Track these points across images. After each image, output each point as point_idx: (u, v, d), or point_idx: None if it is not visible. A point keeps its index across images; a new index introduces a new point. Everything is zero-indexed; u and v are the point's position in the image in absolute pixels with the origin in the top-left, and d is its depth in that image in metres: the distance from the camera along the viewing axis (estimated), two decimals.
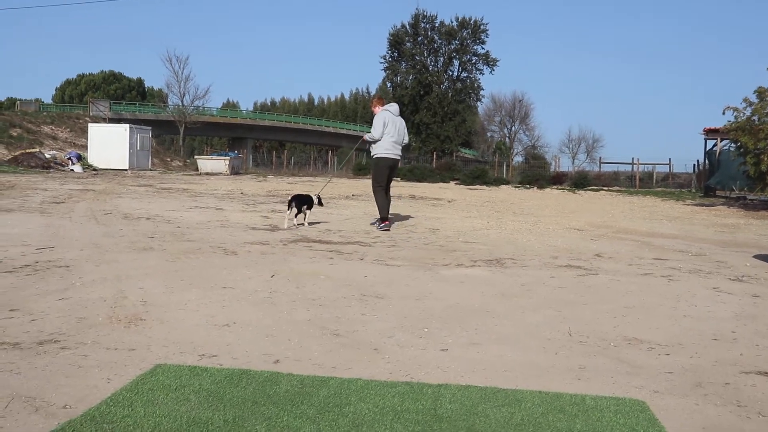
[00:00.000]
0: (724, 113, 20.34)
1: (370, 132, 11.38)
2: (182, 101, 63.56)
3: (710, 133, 32.62)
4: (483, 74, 59.78)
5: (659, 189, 38.52)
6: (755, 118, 19.79)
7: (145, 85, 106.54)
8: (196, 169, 42.98)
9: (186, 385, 3.25)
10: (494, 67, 59.29)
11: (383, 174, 11.35)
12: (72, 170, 37.05)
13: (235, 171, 42.51)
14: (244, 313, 4.84)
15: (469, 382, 3.49)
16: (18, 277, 5.84)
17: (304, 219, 11.10)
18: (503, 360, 3.92)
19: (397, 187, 30.61)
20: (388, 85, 64.54)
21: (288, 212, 10.87)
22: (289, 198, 11.12)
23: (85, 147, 46.34)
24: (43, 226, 9.85)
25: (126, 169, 40.51)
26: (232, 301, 5.21)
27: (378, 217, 11.28)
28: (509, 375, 3.65)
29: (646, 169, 46.79)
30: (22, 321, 4.39)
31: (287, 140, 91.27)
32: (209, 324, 4.50)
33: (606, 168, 51.01)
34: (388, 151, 11.26)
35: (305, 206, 11.00)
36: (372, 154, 11.46)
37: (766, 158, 19.30)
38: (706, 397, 3.45)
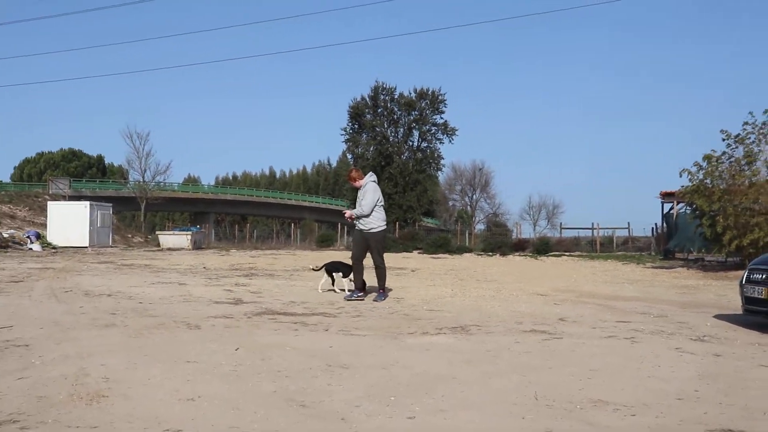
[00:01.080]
0: (681, 176, 20.75)
1: (351, 206, 11.22)
2: (143, 177, 63.30)
3: (666, 196, 33.23)
4: (443, 143, 60.32)
5: (620, 253, 39.00)
6: (708, 181, 20.23)
7: (105, 162, 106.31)
8: (158, 245, 42.70)
9: None
10: (453, 137, 60.07)
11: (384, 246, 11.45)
12: (31, 249, 36.54)
13: (197, 245, 42.28)
14: (209, 386, 4.79)
15: None
16: None
17: (333, 284, 12.26)
18: (470, 426, 3.93)
19: None
20: (349, 156, 65.08)
21: (323, 279, 12.37)
22: (324, 265, 12.51)
23: (44, 225, 45.83)
24: (0, 305, 9.69)
25: (86, 247, 40.05)
26: (197, 374, 5.15)
27: (356, 288, 11.14)
28: None
29: (606, 234, 47.48)
30: None
31: (249, 213, 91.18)
32: (174, 398, 4.45)
33: (567, 233, 51.54)
34: (385, 222, 11.17)
35: (339, 272, 12.20)
36: (375, 228, 10.99)
37: (721, 220, 19.67)
38: None
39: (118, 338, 6.76)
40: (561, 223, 57.58)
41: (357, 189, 11.22)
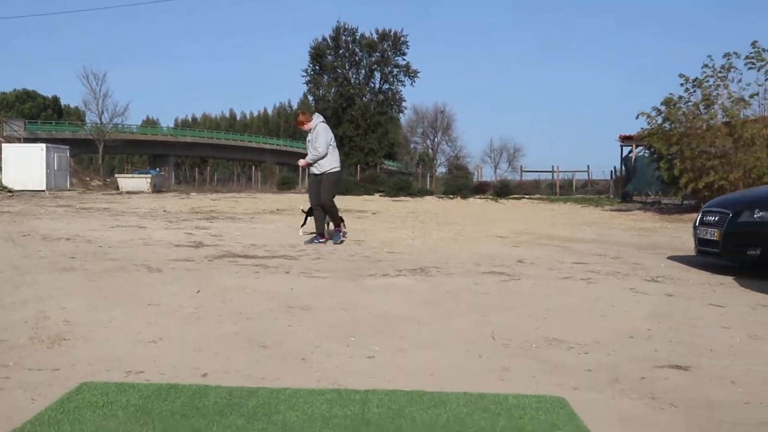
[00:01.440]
0: (637, 118, 20.99)
1: (310, 149, 10.82)
2: (100, 119, 62.27)
3: (625, 140, 33.62)
4: (404, 86, 60.27)
5: (579, 196, 39.51)
6: (666, 124, 20.47)
7: (62, 103, 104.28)
8: (117, 188, 42.20)
9: (113, 401, 3.24)
10: (415, 79, 59.94)
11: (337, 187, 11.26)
12: None
13: (157, 189, 41.89)
14: (171, 328, 4.82)
15: (395, 386, 3.56)
16: None
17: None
18: (429, 364, 4.01)
19: None
20: (310, 98, 64.73)
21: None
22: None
23: None
24: None
25: (44, 190, 39.46)
26: (158, 317, 5.18)
27: (316, 232, 10.90)
28: (435, 378, 3.73)
29: (565, 177, 48.03)
30: None
31: (210, 156, 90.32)
32: (135, 341, 4.47)
33: (527, 177, 52.09)
34: (339, 163, 11.00)
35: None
36: (328, 169, 10.73)
37: (678, 163, 19.98)
38: (623, 391, 3.59)
39: (77, 282, 6.73)
40: (521, 167, 58.16)
41: (307, 132, 10.95)
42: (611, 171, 41.89)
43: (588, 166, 48.64)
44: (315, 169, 10.77)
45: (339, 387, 3.54)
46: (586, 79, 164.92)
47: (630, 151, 33.76)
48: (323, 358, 4.11)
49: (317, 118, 10.91)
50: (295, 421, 3.03)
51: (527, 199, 36.05)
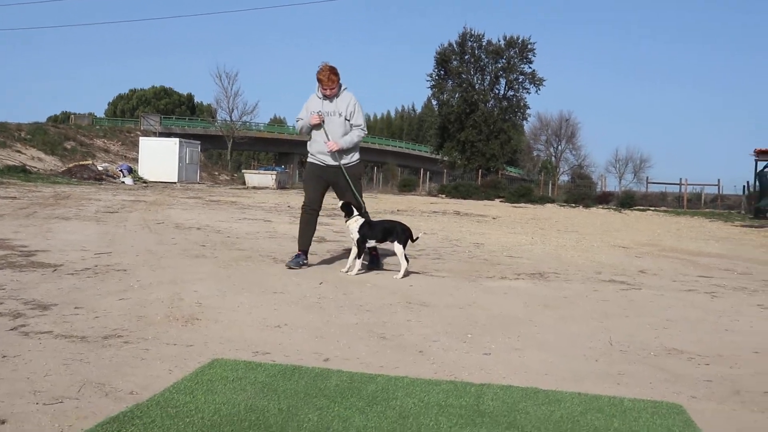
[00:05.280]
0: None
1: (338, 126, 7.60)
2: (230, 116, 64.59)
3: (761, 154, 32.27)
4: (529, 93, 59.48)
5: (707, 210, 38.09)
6: None
7: (195, 101, 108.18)
8: (243, 183, 43.58)
9: (242, 377, 3.45)
10: (540, 86, 59.16)
11: None
12: (123, 182, 37.85)
13: (281, 185, 43.03)
14: (295, 316, 5.03)
15: (510, 382, 3.63)
16: (80, 279, 6.13)
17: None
18: (544, 365, 4.05)
19: (442, 203, 30.76)
20: (434, 102, 64.81)
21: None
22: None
23: (135, 160, 47.34)
24: (99, 233, 10.20)
25: (175, 182, 41.21)
26: (283, 304, 5.41)
27: (300, 249, 7.71)
28: (549, 378, 3.77)
29: (694, 190, 46.34)
30: (87, 318, 4.64)
31: None
32: (262, 325, 4.70)
33: (653, 188, 50.60)
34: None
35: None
36: (353, 160, 7.79)
37: None
38: (744, 404, 3.53)
39: (208, 268, 7.08)
40: (647, 178, 56.46)
41: (330, 97, 7.55)
42: (744, 186, 40.17)
43: (719, 180, 46.59)
44: (329, 157, 7.62)
45: (455, 379, 3.64)
46: (720, 91, 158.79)
47: (766, 166, 32.35)
48: (440, 352, 4.22)
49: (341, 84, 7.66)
50: (412, 407, 3.14)
51: (652, 211, 35.05)
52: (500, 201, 38.60)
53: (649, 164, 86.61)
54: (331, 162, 7.60)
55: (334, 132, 7.53)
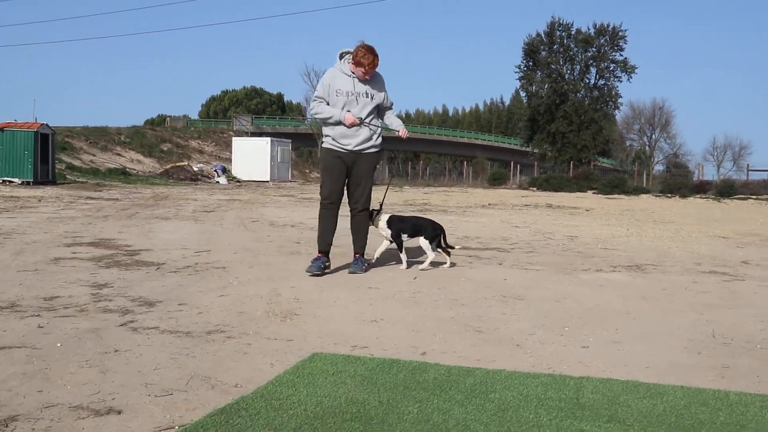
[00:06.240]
0: None
1: (371, 108, 6.86)
2: None
3: None
4: (621, 81, 58.21)
5: None
6: None
7: (285, 100, 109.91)
8: None
9: (342, 371, 3.52)
10: (633, 74, 57.83)
11: None
12: (218, 182, 38.82)
13: None
14: (391, 310, 5.09)
15: (609, 375, 3.59)
16: (182, 276, 6.35)
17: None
18: (644, 358, 3.99)
19: (533, 196, 30.47)
20: (523, 94, 64.23)
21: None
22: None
23: (229, 160, 48.48)
24: (197, 232, 10.52)
25: (268, 181, 42.01)
26: (378, 299, 5.47)
27: (320, 251, 7.02)
28: (650, 371, 3.71)
29: None
30: (190, 314, 4.80)
31: (422, 151, 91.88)
32: (358, 319, 4.78)
33: (754, 176, 48.84)
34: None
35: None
36: (373, 145, 7.00)
37: None
38: None
39: (303, 264, 7.20)
40: (748, 165, 54.51)
41: (366, 79, 6.76)
42: None
43: None
44: (347, 141, 6.79)
45: (553, 372, 3.62)
46: None
47: None
48: (537, 345, 4.20)
49: None
50: (511, 400, 3.15)
51: (754, 199, 33.87)
52: (593, 193, 37.98)
53: (749, 151, 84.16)
54: (353, 147, 6.75)
55: (369, 114, 6.81)
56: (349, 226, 7.24)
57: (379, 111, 6.96)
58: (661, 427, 2.87)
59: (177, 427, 2.74)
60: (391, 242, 7.23)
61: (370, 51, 6.63)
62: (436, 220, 7.64)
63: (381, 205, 7.28)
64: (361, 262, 6.93)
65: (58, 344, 3.92)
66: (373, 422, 2.84)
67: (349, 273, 6.74)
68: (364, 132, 6.76)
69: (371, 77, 6.76)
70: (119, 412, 2.91)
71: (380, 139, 6.96)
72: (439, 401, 3.11)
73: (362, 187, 6.97)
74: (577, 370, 3.67)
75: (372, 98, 6.78)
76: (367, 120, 6.77)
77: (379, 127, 6.94)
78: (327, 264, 6.87)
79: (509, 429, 2.81)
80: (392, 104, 7.06)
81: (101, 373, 3.44)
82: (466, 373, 3.54)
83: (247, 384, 3.30)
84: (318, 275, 6.55)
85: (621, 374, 3.62)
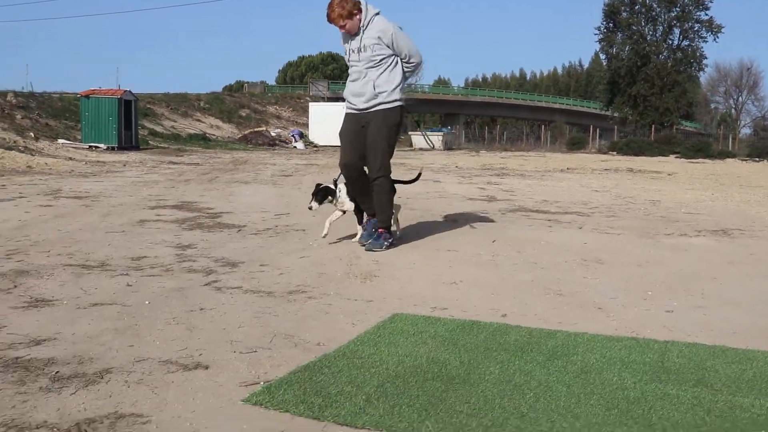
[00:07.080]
0: None
1: (371, 67, 5.88)
2: None
3: None
4: (706, 42, 56.29)
5: None
6: None
7: None
8: (410, 145, 43.97)
9: (422, 331, 3.53)
10: (718, 34, 55.85)
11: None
12: (295, 147, 39.23)
13: (448, 146, 43.14)
14: (469, 273, 5.07)
15: (695, 340, 3.51)
16: (263, 238, 6.45)
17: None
18: (731, 323, 3.89)
19: (613, 161, 29.90)
20: (603, 57, 62.80)
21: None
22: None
23: (305, 125, 48.89)
24: (276, 195, 10.66)
25: None
26: (456, 262, 5.46)
27: (370, 226, 6.13)
28: (737, 337, 3.62)
29: None
30: (272, 274, 4.88)
31: (499, 115, 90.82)
32: (437, 282, 4.78)
33: None
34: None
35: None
36: (390, 102, 5.90)
37: None
38: None
39: None
40: None
41: (351, 34, 5.89)
42: None
43: None
44: (356, 100, 5.98)
45: (637, 336, 3.57)
46: None
47: None
48: (620, 309, 4.14)
49: (370, 9, 5.84)
50: (593, 362, 3.12)
51: None
52: (675, 157, 37.03)
53: None
54: (364, 105, 5.87)
55: (369, 75, 5.85)
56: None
57: (396, 63, 5.93)
58: (750, 393, 2.80)
59: (262, 383, 2.80)
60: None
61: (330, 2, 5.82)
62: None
63: (335, 182, 6.35)
64: (383, 238, 5.94)
65: (147, 302, 4.04)
66: (454, 382, 2.85)
67: (366, 250, 5.87)
68: (369, 88, 5.84)
69: (368, 28, 5.81)
70: (206, 368, 2.98)
71: (397, 94, 5.90)
72: (521, 362, 3.10)
73: (374, 151, 5.90)
74: (661, 334, 3.60)
75: (363, 50, 5.83)
76: (378, 70, 5.84)
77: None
78: (390, 239, 6.03)
79: (592, 390, 2.78)
80: (412, 54, 5.93)
81: (188, 330, 3.53)
82: (547, 336, 3.51)
83: (329, 343, 3.35)
84: (377, 248, 5.88)
85: (707, 339, 3.54)
